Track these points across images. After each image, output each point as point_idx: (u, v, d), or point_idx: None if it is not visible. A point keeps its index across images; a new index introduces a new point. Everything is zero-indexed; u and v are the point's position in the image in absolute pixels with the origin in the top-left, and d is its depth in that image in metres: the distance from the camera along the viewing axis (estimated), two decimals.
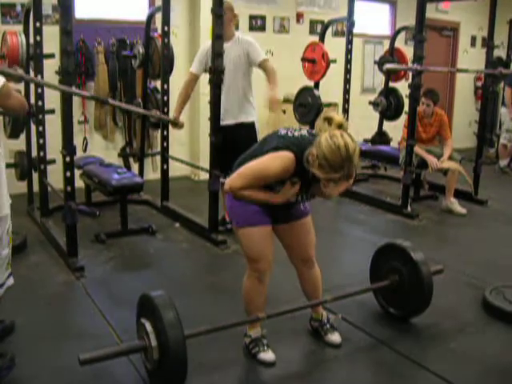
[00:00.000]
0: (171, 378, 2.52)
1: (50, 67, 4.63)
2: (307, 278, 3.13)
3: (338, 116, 2.56)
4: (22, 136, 5.07)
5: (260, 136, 4.63)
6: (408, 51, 6.58)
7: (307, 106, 6.07)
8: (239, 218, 2.86)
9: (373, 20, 8.88)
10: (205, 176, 5.12)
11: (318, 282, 3.14)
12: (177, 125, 5.00)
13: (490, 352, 3.14)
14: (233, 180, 2.68)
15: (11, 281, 3.21)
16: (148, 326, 2.58)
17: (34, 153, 5.05)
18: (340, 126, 2.52)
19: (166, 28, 5.36)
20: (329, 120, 2.55)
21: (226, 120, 4.72)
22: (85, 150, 6.27)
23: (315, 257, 3.10)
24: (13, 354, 3.10)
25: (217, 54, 4.46)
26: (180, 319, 2.52)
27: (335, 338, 3.15)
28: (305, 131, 2.74)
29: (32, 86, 4.84)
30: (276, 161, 2.60)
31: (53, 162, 4.96)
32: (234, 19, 4.84)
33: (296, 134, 2.70)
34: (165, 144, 5.59)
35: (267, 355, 2.95)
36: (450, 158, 5.82)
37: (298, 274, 3.15)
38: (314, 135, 2.64)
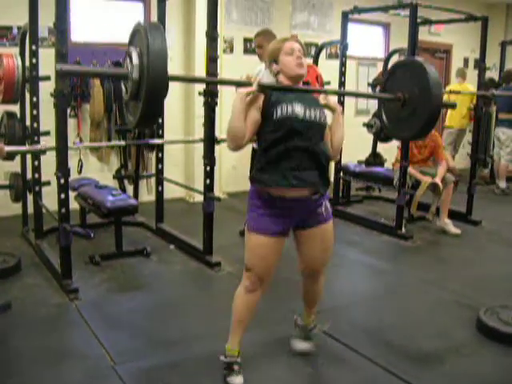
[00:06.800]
0: (152, 92, 2.43)
1: (46, 89, 4.66)
2: (310, 289, 3.12)
3: None
4: (17, 158, 5.06)
5: None
6: None
7: None
8: (251, 222, 2.83)
9: (366, 42, 8.98)
10: (200, 198, 5.11)
11: (319, 295, 3.16)
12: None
13: (485, 373, 3.13)
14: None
15: None
16: (133, 52, 2.49)
17: (29, 175, 5.06)
18: None
19: None
20: None
21: None
22: (80, 172, 6.26)
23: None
24: (9, 301, 3.68)
25: (211, 76, 4.50)
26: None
27: (306, 346, 3.22)
28: None
29: (28, 108, 4.86)
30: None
31: (47, 183, 4.95)
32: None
33: None
34: (160, 166, 5.61)
35: (236, 379, 2.89)
36: (443, 179, 5.85)
37: (303, 283, 3.13)
38: None
